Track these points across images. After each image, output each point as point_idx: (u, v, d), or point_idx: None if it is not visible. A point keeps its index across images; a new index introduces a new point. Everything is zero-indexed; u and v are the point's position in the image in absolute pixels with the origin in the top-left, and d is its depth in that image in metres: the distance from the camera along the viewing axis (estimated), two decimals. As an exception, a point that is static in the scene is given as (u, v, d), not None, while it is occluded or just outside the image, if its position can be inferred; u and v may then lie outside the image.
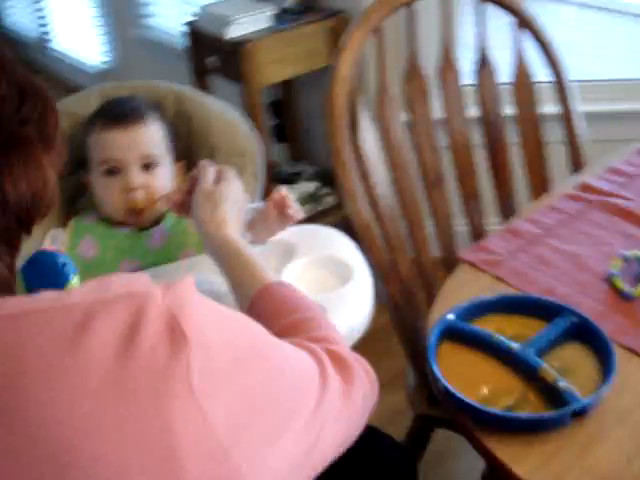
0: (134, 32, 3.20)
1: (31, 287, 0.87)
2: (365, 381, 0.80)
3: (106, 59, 3.62)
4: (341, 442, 0.75)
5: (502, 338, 0.90)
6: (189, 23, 2.24)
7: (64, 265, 0.88)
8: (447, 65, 1.43)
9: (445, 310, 0.96)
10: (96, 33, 3.61)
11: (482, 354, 0.91)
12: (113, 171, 1.17)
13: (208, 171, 1.05)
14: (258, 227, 1.12)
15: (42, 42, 4.29)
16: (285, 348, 0.70)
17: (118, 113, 1.19)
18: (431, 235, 1.42)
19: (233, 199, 1.03)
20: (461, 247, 1.24)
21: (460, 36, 1.43)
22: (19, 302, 0.57)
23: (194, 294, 0.60)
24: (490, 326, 0.94)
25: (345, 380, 0.76)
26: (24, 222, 0.63)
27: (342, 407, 0.74)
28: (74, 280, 0.89)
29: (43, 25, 4.24)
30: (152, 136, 1.19)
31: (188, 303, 0.58)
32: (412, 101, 1.41)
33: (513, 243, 1.13)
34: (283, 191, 1.11)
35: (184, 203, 1.07)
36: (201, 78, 2.31)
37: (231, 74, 2.15)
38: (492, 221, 1.48)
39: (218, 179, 1.04)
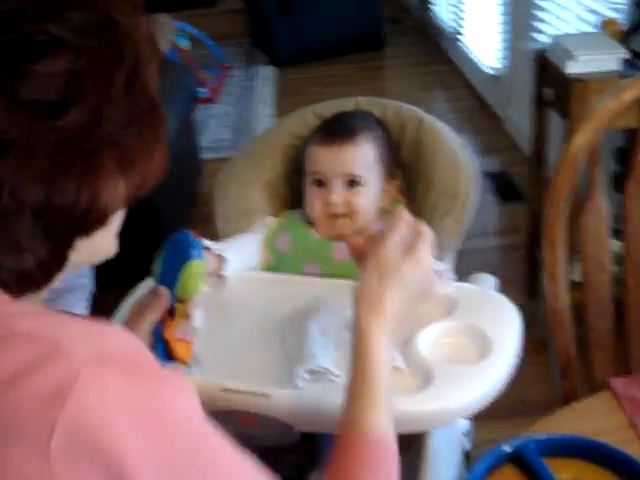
0: (524, 44, 3.16)
1: (165, 256, 1.03)
2: None
3: (498, 65, 3.64)
4: None
5: (561, 489, 0.77)
6: (539, 50, 2.16)
7: (192, 249, 0.99)
8: None
9: (537, 431, 0.85)
10: (496, 38, 3.65)
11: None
12: (319, 183, 1.25)
13: (398, 230, 0.85)
14: None
15: (454, 34, 4.46)
16: (221, 455, 0.65)
17: (331, 130, 1.26)
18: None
19: (411, 286, 0.84)
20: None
21: None
22: None
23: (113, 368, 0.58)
24: (569, 470, 0.81)
25: None
26: (75, 228, 0.65)
27: None
28: (194, 263, 1.00)
29: (458, 19, 4.39)
30: (359, 156, 1.22)
31: (96, 386, 0.56)
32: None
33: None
34: None
35: (363, 252, 0.88)
36: (539, 107, 2.22)
37: (562, 110, 2.03)
38: None
39: (407, 248, 0.84)
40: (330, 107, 1.37)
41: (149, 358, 0.64)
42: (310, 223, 1.28)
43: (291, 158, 1.36)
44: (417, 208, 1.29)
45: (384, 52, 5.14)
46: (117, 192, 0.65)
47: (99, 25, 0.62)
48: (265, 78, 4.88)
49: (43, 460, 0.54)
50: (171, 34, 3.12)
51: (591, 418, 0.92)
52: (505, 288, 1.25)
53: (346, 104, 1.37)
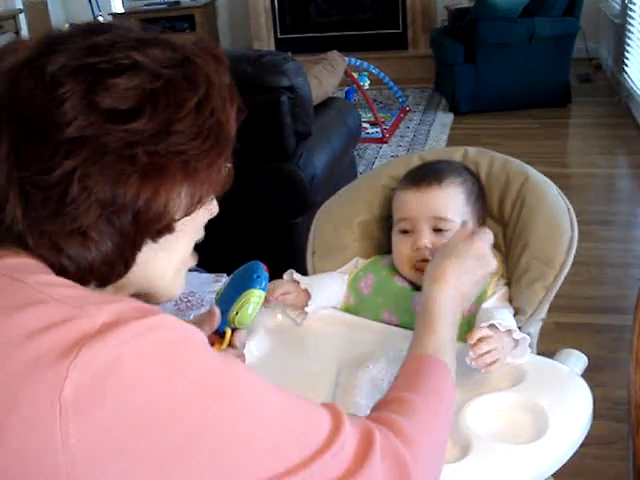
0: None
1: (232, 280, 1.04)
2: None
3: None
4: None
5: None
6: None
7: (258, 279, 1.00)
8: None
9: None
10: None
11: None
12: (406, 230, 1.21)
13: (463, 229, 1.09)
14: None
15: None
16: (266, 404, 0.69)
17: (418, 175, 1.23)
18: None
19: (466, 258, 1.02)
20: None
21: None
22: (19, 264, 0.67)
23: (151, 328, 0.62)
24: None
25: (355, 464, 0.70)
26: (139, 226, 0.70)
27: None
28: (255, 292, 1.00)
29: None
30: (446, 200, 1.18)
31: (115, 334, 0.59)
32: None
33: None
34: (476, 336, 1.01)
35: None
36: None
37: None
38: None
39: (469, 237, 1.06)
40: (437, 154, 1.33)
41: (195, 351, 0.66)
42: (397, 271, 1.24)
43: (388, 201, 1.33)
44: (510, 269, 1.21)
45: (569, 110, 4.94)
46: (178, 197, 0.72)
47: (179, 62, 0.71)
48: (442, 125, 4.85)
49: (53, 398, 0.57)
50: (341, 70, 3.16)
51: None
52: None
53: (454, 152, 1.32)
